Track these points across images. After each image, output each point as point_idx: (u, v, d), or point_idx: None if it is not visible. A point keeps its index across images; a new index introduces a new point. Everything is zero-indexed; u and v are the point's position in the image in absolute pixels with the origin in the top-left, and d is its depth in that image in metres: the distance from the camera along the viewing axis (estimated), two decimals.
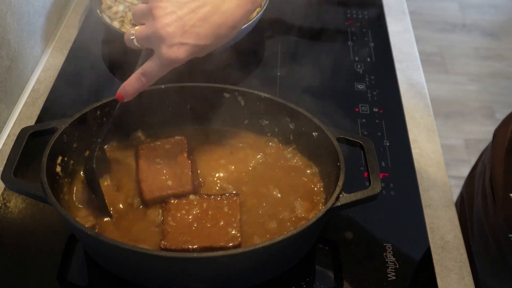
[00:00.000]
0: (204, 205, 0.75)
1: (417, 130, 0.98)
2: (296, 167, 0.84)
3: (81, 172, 0.80)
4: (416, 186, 0.88)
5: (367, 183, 0.74)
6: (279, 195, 0.80)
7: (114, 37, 1.08)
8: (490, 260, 0.93)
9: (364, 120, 0.98)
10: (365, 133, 0.96)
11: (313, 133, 0.81)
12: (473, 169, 1.06)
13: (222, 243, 0.71)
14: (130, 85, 0.73)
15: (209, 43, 0.69)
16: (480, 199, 0.95)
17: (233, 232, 0.73)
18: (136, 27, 0.72)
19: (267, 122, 0.87)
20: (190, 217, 0.74)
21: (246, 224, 0.75)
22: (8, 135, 0.95)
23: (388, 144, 0.94)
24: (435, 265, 0.78)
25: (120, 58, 1.06)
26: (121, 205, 0.78)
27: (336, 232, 0.81)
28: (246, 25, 1.03)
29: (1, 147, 0.93)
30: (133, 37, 0.71)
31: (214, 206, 0.75)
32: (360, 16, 1.25)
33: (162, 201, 0.77)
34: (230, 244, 0.71)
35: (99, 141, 0.79)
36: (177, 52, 0.68)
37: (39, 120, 0.96)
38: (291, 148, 0.86)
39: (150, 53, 0.72)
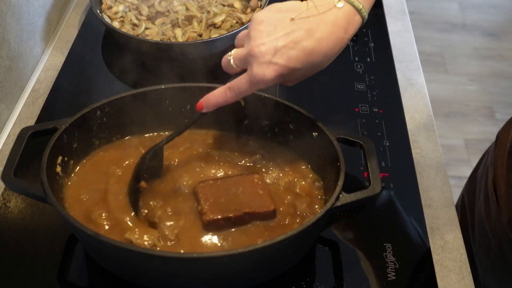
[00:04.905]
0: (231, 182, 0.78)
1: (417, 130, 0.98)
2: (296, 167, 0.84)
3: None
4: (416, 186, 0.88)
5: (367, 183, 0.74)
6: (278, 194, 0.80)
7: (114, 37, 1.09)
8: (492, 262, 0.92)
9: (364, 120, 0.98)
10: (365, 133, 0.96)
11: (313, 133, 0.81)
12: (475, 171, 1.05)
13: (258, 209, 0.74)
14: (214, 97, 0.75)
15: (299, 67, 0.71)
16: (482, 201, 0.94)
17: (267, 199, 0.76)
18: (234, 49, 0.75)
19: (267, 122, 0.87)
20: (221, 192, 0.76)
21: None
22: (8, 135, 0.95)
23: (388, 144, 0.94)
24: (435, 265, 0.78)
25: (120, 58, 1.06)
26: None
27: (336, 232, 0.81)
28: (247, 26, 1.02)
29: (1, 147, 0.93)
30: (231, 57, 0.75)
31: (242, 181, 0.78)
32: None
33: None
34: (265, 210, 0.74)
35: (161, 144, 0.79)
36: (266, 70, 0.70)
37: (39, 120, 0.96)
38: (291, 148, 0.86)
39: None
